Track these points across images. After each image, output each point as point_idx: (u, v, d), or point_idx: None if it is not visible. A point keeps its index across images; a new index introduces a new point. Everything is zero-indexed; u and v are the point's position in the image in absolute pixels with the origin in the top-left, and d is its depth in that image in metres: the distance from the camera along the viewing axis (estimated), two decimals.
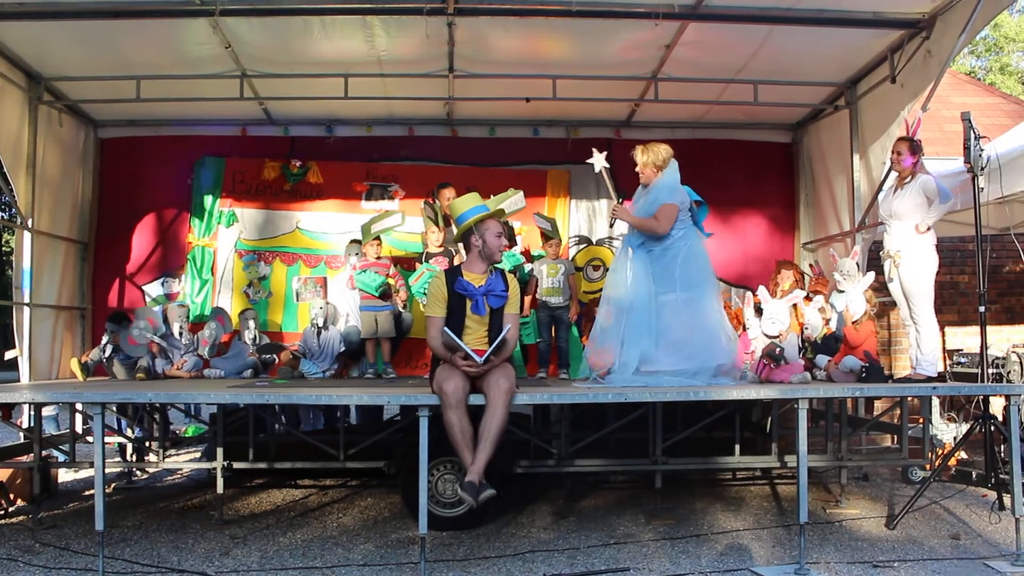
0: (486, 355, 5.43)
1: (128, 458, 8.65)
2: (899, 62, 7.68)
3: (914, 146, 6.82)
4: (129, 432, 8.59)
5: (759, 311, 7.31)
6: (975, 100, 12.79)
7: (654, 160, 6.76)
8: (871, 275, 6.99)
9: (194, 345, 8.46)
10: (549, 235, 8.64)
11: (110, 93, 8.60)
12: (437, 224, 8.53)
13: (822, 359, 7.06)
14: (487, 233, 5.77)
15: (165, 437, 8.37)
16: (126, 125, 9.63)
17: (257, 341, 8.64)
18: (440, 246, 8.33)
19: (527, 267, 8.64)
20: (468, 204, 5.88)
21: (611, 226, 8.58)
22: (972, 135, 6.47)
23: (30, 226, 8.25)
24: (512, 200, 8.03)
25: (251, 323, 8.68)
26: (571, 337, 8.69)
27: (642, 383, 6.14)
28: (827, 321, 7.42)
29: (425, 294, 8.02)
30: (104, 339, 8.23)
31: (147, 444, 8.74)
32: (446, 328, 5.51)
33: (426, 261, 8.39)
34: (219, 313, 8.86)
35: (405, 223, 9.35)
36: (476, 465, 5.33)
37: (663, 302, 6.41)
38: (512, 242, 8.67)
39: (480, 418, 5.44)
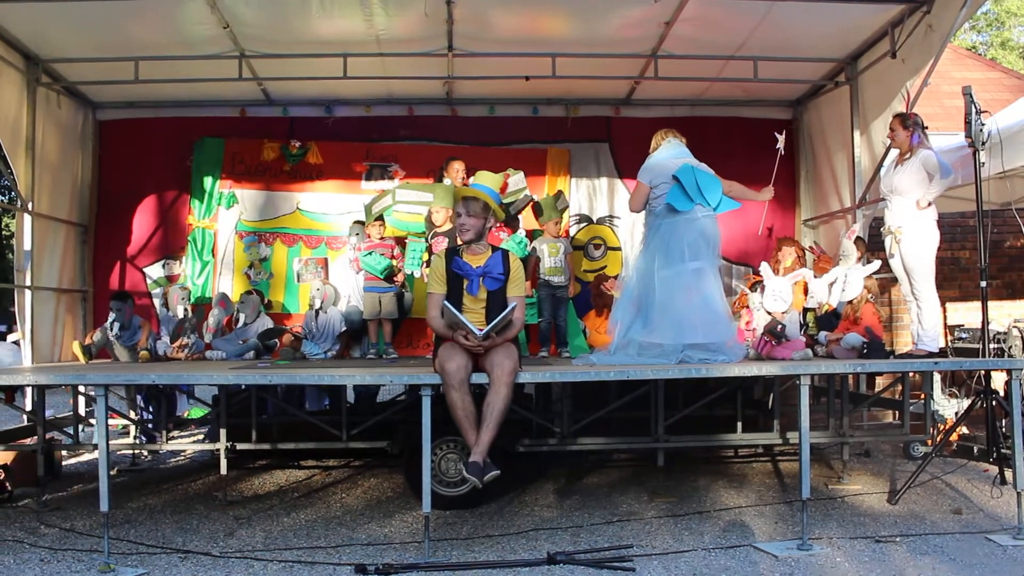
0: (485, 331, 5.43)
1: (135, 439, 8.66)
2: (900, 37, 7.64)
3: (906, 121, 6.78)
4: (132, 414, 8.59)
5: (757, 287, 7.29)
6: (976, 75, 12.75)
7: (654, 145, 6.93)
8: (876, 263, 6.98)
9: (194, 327, 8.46)
10: (543, 214, 8.63)
11: (109, 75, 8.58)
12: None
13: (823, 335, 7.07)
14: (466, 210, 5.77)
15: (169, 419, 8.39)
16: (125, 107, 9.60)
17: (246, 322, 8.62)
18: (441, 225, 8.28)
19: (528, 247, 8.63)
20: (492, 182, 5.97)
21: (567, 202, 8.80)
22: (973, 110, 6.45)
23: (30, 209, 8.24)
24: (514, 180, 8.08)
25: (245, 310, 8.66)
26: (569, 316, 8.70)
27: (647, 360, 6.16)
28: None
29: (416, 265, 8.06)
30: (111, 317, 8.21)
31: (151, 426, 8.75)
32: (446, 303, 5.50)
33: (430, 237, 8.36)
34: (222, 298, 8.85)
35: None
36: (480, 445, 5.34)
37: (660, 278, 6.43)
38: (512, 226, 8.65)
39: (484, 397, 5.45)
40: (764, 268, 7.20)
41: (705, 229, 6.53)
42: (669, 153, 6.80)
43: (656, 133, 7.00)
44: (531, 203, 8.83)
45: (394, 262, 8.34)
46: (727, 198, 6.67)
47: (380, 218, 8.61)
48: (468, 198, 5.82)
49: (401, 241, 8.69)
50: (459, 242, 5.88)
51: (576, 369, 6.00)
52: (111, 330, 8.18)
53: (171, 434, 8.54)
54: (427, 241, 8.22)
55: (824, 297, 7.35)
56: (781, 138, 7.37)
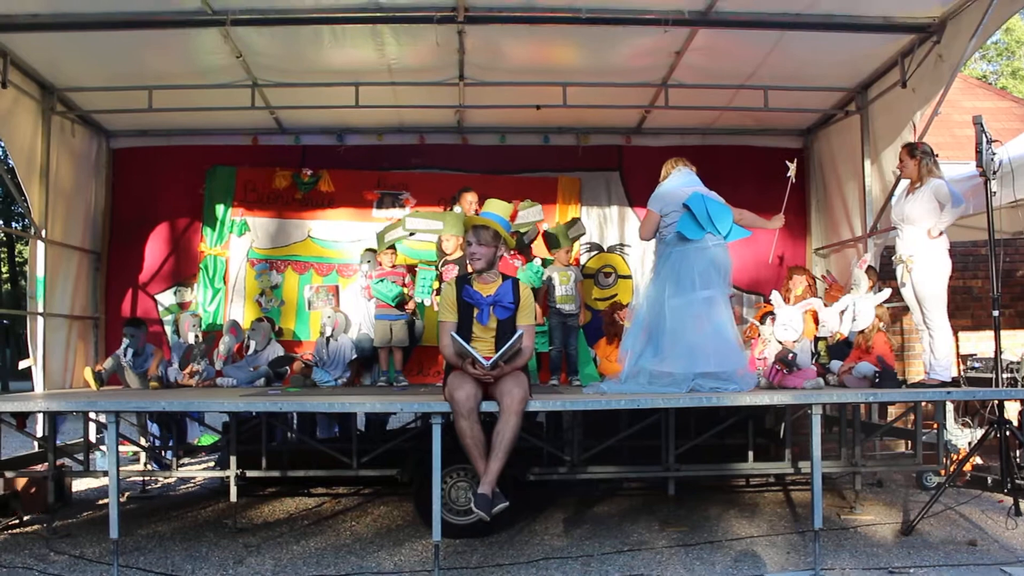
0: (493, 360, 5.43)
1: (145, 466, 8.66)
2: (910, 67, 7.67)
3: (914, 151, 6.79)
4: (143, 441, 8.59)
5: (767, 317, 7.27)
6: (986, 104, 12.79)
7: (664, 173, 6.98)
8: (887, 291, 6.96)
9: (204, 353, 8.47)
10: (556, 244, 8.68)
11: (122, 103, 8.66)
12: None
13: (835, 364, 7.04)
14: (476, 239, 5.80)
15: (180, 446, 8.39)
16: (138, 135, 9.68)
17: (257, 349, 8.63)
18: (452, 253, 8.29)
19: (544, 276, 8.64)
20: (501, 210, 5.97)
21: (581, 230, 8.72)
22: (984, 139, 6.45)
23: (44, 236, 8.30)
24: (531, 212, 8.10)
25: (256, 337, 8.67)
26: (580, 344, 8.70)
27: (657, 389, 6.15)
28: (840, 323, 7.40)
29: (427, 293, 8.07)
30: (125, 343, 8.24)
31: (162, 452, 8.76)
32: (453, 333, 5.50)
33: (441, 265, 8.37)
34: (232, 325, 8.87)
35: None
36: (489, 475, 5.34)
37: (671, 306, 6.42)
38: (525, 255, 8.68)
39: (494, 426, 5.44)
40: (775, 297, 7.18)
41: (716, 258, 6.51)
42: (680, 181, 6.81)
43: (666, 162, 7.03)
44: (541, 233, 8.87)
45: (405, 290, 8.36)
46: (737, 226, 6.65)
47: (392, 246, 8.64)
48: (478, 227, 5.83)
49: (412, 269, 8.72)
50: (469, 270, 5.90)
51: (587, 398, 5.98)
52: (124, 356, 8.20)
53: (181, 461, 8.54)
54: (438, 269, 8.23)
55: (836, 326, 7.33)
56: (792, 166, 7.40)
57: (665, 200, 6.73)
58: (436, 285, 8.11)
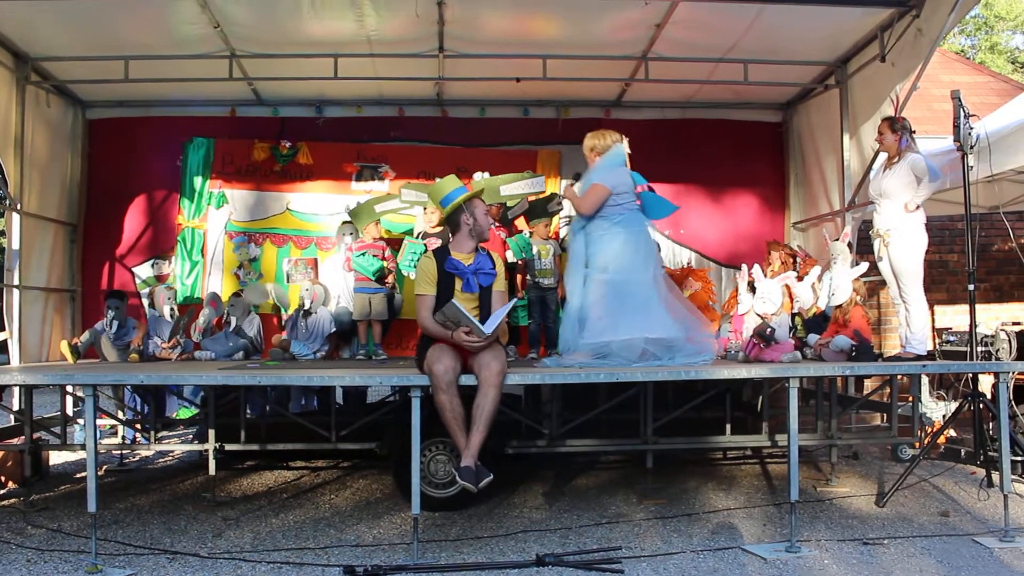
0: (492, 326, 5.45)
1: (123, 439, 8.64)
2: (889, 41, 7.67)
3: (895, 125, 6.82)
4: (120, 414, 8.56)
5: (752, 288, 7.29)
6: (965, 79, 12.80)
7: (596, 145, 6.87)
8: (864, 265, 6.99)
9: (182, 328, 8.43)
10: (534, 216, 8.68)
11: (98, 73, 8.55)
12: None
13: (812, 338, 7.08)
14: (476, 211, 5.80)
15: (157, 419, 8.37)
16: (114, 106, 9.57)
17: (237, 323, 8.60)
18: (435, 226, 8.28)
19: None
20: (451, 185, 5.88)
21: (559, 204, 8.63)
22: (962, 113, 6.48)
23: (19, 208, 8.21)
24: (528, 183, 8.09)
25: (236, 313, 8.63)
26: (558, 318, 8.71)
27: (602, 363, 6.19)
28: (817, 299, 7.43)
29: (413, 267, 8.03)
30: (110, 315, 8.18)
31: (137, 426, 8.73)
32: (456, 302, 5.49)
33: (420, 239, 8.34)
34: (212, 298, 8.82)
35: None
36: (471, 448, 5.36)
37: (600, 282, 6.43)
38: (508, 228, 8.67)
39: (472, 398, 5.45)
40: (756, 271, 7.20)
41: (649, 242, 6.75)
42: (622, 160, 6.83)
43: (605, 132, 6.93)
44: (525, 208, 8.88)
45: (385, 263, 8.34)
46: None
47: (377, 220, 8.62)
48: (476, 197, 5.89)
49: (393, 243, 8.70)
50: (484, 238, 5.93)
51: (566, 371, 5.99)
52: (110, 328, 8.15)
53: (159, 434, 8.52)
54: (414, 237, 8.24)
55: (809, 299, 7.36)
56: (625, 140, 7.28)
57: (618, 178, 6.68)
58: None
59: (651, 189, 6.96)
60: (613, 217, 6.57)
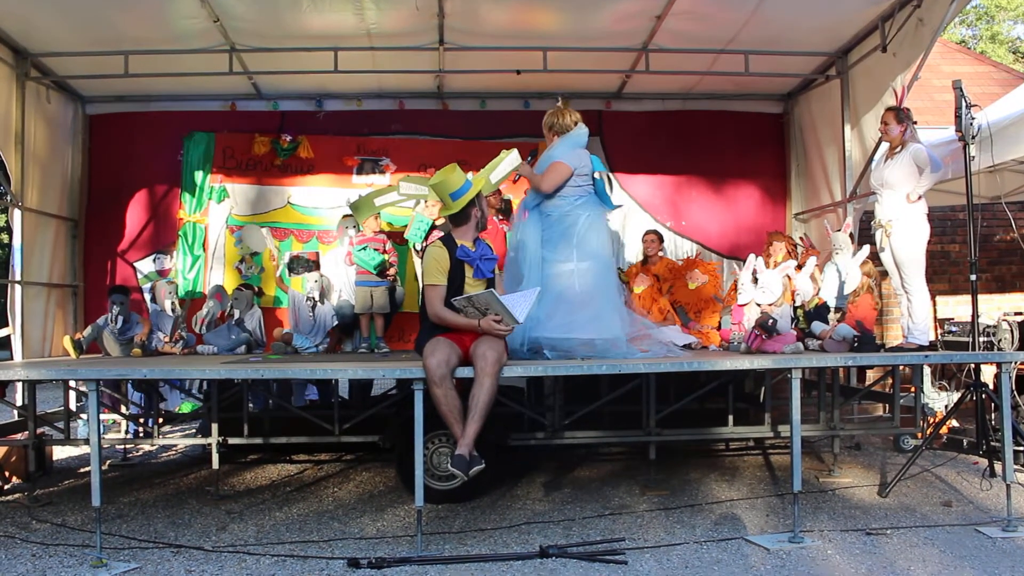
0: (524, 313, 5.50)
1: (126, 434, 8.66)
2: (890, 31, 7.65)
3: (900, 115, 6.82)
4: (123, 409, 8.57)
5: (754, 279, 7.27)
6: (966, 69, 12.81)
7: (555, 124, 6.85)
8: (866, 249, 6.98)
9: (183, 321, 8.43)
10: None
11: (98, 69, 8.53)
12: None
13: (817, 326, 7.00)
14: (484, 203, 5.87)
15: (160, 413, 8.38)
16: (114, 101, 9.56)
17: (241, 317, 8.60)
18: (437, 218, 8.25)
19: None
20: (459, 179, 5.87)
21: (514, 182, 8.64)
22: (963, 103, 6.47)
23: (20, 204, 8.21)
24: (507, 161, 8.02)
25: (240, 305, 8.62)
26: None
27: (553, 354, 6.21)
28: (818, 290, 7.42)
29: (421, 239, 8.02)
30: (115, 310, 8.17)
31: (140, 420, 8.75)
32: (492, 290, 5.50)
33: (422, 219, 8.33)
34: (217, 291, 8.81)
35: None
36: (465, 438, 5.37)
37: (560, 271, 6.38)
38: (510, 219, 8.66)
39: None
40: (758, 262, 7.19)
41: (606, 226, 6.82)
42: (584, 141, 6.82)
43: (564, 111, 6.90)
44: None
45: (387, 257, 8.34)
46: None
47: (378, 213, 8.63)
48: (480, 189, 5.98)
49: (394, 236, 8.70)
50: (487, 227, 6.00)
51: (568, 363, 5.98)
52: (115, 323, 8.14)
53: (162, 429, 8.53)
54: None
55: (809, 290, 7.35)
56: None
57: (582, 159, 6.63)
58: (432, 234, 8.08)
59: (608, 178, 6.94)
60: (572, 198, 6.50)
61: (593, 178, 6.65)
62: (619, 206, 7.36)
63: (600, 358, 6.14)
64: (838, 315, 6.93)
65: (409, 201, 8.76)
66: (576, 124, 6.81)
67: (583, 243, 6.43)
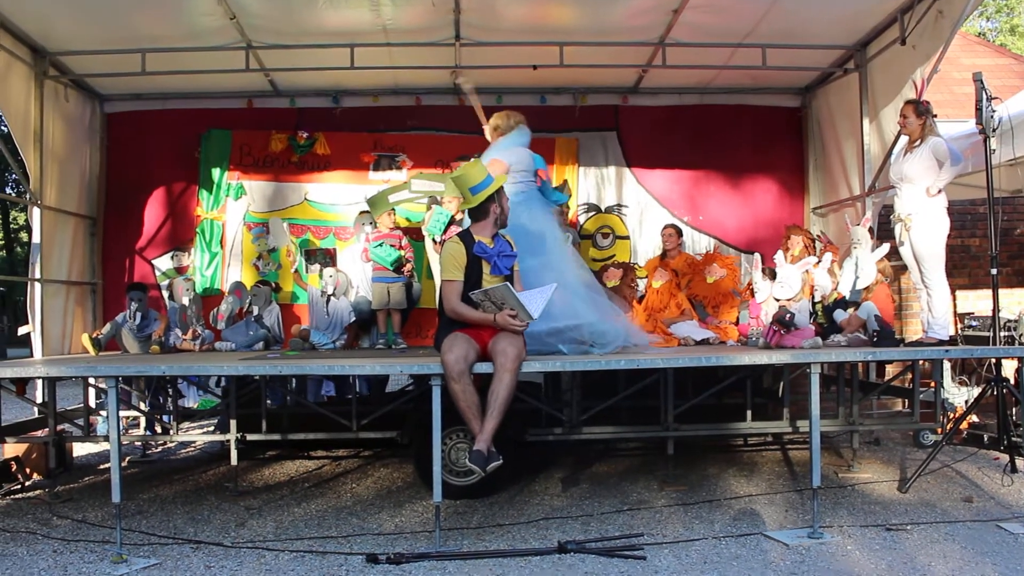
0: (539, 309, 5.47)
1: (145, 431, 8.71)
2: (909, 23, 7.59)
3: (920, 108, 6.77)
4: (142, 405, 8.62)
5: (772, 275, 7.24)
6: (985, 61, 12.67)
7: (500, 125, 6.98)
8: (885, 246, 6.93)
9: (191, 317, 8.45)
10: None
11: (115, 67, 8.56)
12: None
13: (840, 314, 6.91)
14: (503, 199, 5.83)
15: (178, 410, 8.42)
16: (132, 99, 9.61)
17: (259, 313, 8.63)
18: (456, 213, 8.25)
19: None
20: (480, 174, 5.85)
21: (569, 191, 8.64)
22: (984, 96, 6.42)
23: (39, 202, 8.26)
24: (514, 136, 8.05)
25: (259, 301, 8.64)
26: None
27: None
28: (836, 284, 7.38)
29: (440, 231, 8.02)
30: (133, 307, 8.21)
31: (159, 417, 8.80)
32: (508, 284, 5.49)
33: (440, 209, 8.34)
34: (237, 287, 8.83)
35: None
36: (484, 434, 5.35)
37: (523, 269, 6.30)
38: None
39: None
40: (778, 256, 7.15)
41: (550, 219, 6.87)
42: (524, 140, 6.89)
43: (508, 113, 7.06)
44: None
45: (403, 253, 8.35)
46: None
47: (393, 209, 8.64)
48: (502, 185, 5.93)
49: (410, 232, 8.70)
50: (506, 224, 5.95)
51: (586, 358, 5.97)
52: (134, 320, 8.18)
53: (181, 425, 8.57)
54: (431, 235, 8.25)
55: (828, 285, 7.31)
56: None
57: (521, 157, 6.72)
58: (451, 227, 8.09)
59: (547, 179, 7.01)
60: (512, 195, 6.42)
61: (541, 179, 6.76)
62: (566, 199, 7.54)
63: (598, 345, 6.16)
64: (854, 308, 6.89)
65: (424, 198, 8.78)
66: (518, 125, 6.94)
67: (529, 237, 6.40)
